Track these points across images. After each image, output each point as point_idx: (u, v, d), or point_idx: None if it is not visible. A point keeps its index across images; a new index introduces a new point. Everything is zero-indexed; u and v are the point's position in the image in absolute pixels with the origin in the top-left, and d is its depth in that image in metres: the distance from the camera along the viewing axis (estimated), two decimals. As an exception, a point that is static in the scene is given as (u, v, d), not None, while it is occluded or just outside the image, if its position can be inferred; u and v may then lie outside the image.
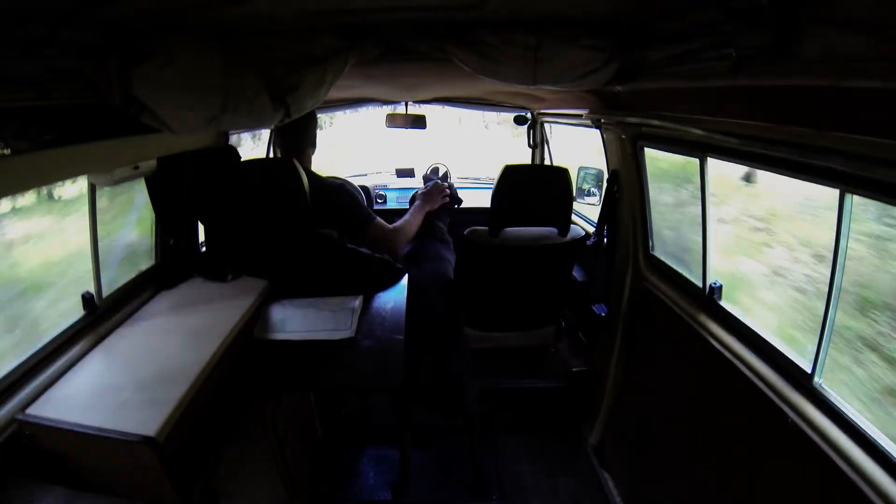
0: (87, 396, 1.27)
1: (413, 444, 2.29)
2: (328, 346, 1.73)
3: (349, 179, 2.93)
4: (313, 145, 2.20)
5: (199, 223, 2.10)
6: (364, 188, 3.49)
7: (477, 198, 3.46)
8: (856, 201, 1.04)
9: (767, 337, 1.39)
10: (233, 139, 2.25)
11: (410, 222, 2.31)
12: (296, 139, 2.13)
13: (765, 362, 1.35)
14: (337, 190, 2.14)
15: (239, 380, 1.63)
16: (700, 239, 1.64)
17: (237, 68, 1.29)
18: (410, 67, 1.78)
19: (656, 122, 1.58)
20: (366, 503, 2.17)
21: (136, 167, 1.51)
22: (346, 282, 2.02)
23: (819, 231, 1.43)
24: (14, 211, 1.39)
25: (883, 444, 1.01)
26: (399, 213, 3.56)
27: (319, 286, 1.99)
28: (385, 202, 3.62)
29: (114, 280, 1.68)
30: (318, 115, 2.34)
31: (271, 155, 2.97)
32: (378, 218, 2.18)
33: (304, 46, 1.36)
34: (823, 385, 1.19)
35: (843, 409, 1.12)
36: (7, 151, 0.96)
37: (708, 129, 1.29)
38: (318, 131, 2.25)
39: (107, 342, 1.53)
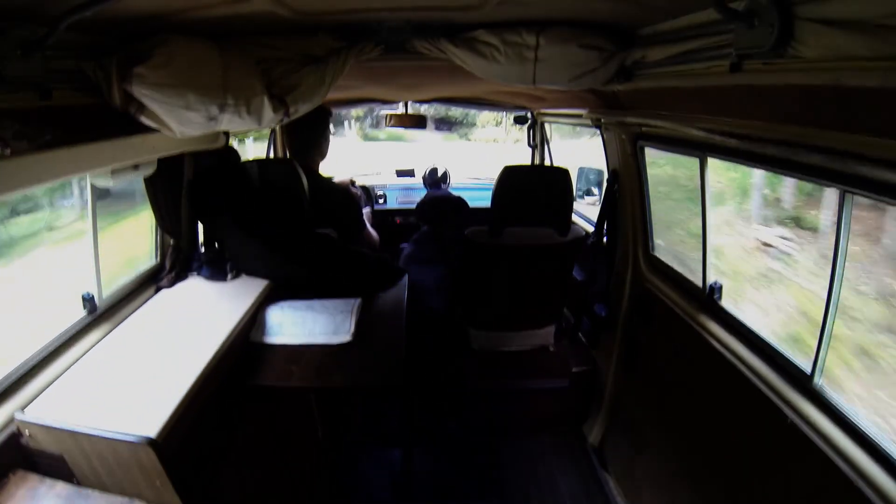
0: (87, 396, 1.27)
1: (414, 445, 2.29)
2: (329, 346, 1.73)
3: (354, 179, 2.95)
4: (322, 155, 2.23)
5: (199, 223, 2.11)
6: (364, 188, 3.49)
7: (476, 198, 3.46)
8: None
9: (767, 337, 1.39)
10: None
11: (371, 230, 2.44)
12: (302, 147, 2.17)
13: (765, 362, 1.35)
14: (344, 195, 2.20)
15: (239, 380, 1.63)
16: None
17: (237, 68, 1.28)
18: (410, 67, 1.78)
19: (656, 122, 1.58)
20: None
21: (136, 167, 1.51)
22: (345, 282, 2.02)
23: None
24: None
25: (883, 444, 1.01)
26: (399, 212, 3.58)
27: (319, 286, 1.99)
28: (385, 202, 3.63)
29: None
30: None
31: (272, 155, 2.97)
32: (367, 226, 2.31)
33: (304, 46, 1.36)
34: (823, 385, 1.19)
35: (842, 409, 1.12)
36: (7, 152, 0.96)
37: (708, 129, 1.28)
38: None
39: (107, 342, 1.53)
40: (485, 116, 18.43)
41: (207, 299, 1.85)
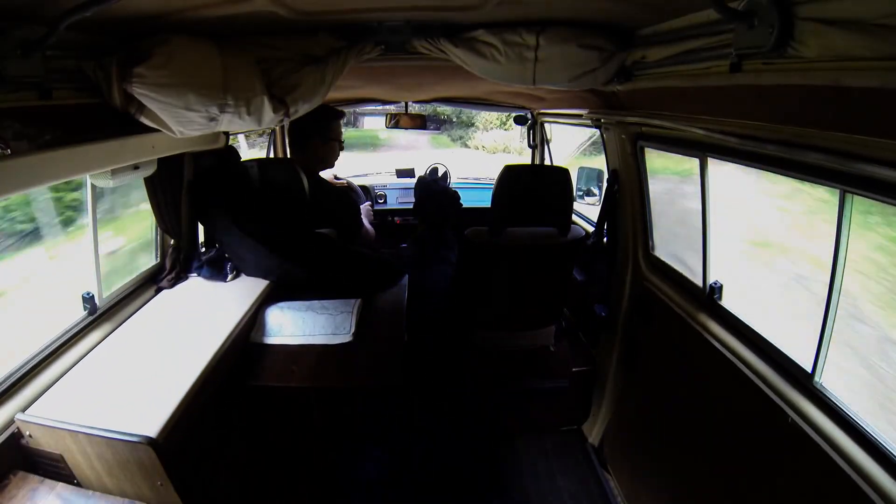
0: (87, 397, 1.28)
1: (414, 445, 2.29)
2: (329, 346, 1.74)
3: (337, 174, 2.95)
4: (321, 162, 2.23)
5: (199, 223, 2.11)
6: (364, 188, 3.49)
7: (476, 198, 3.46)
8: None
9: (768, 336, 1.39)
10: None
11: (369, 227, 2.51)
12: (298, 150, 2.17)
13: (765, 362, 1.35)
14: (341, 195, 2.20)
15: (239, 380, 1.63)
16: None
17: (237, 68, 1.29)
18: (410, 67, 1.78)
19: (656, 122, 1.58)
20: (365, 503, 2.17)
21: (136, 167, 1.51)
22: (345, 282, 2.02)
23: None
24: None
25: (883, 444, 1.01)
26: (399, 212, 3.58)
27: (319, 286, 1.99)
28: (385, 202, 3.63)
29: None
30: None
31: (272, 155, 2.98)
32: (364, 223, 2.36)
33: (304, 46, 1.36)
34: (824, 384, 1.19)
35: (843, 408, 1.12)
36: (7, 152, 0.96)
37: (708, 129, 1.29)
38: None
39: (107, 342, 1.53)
40: (487, 116, 16.30)
41: (207, 300, 1.85)
